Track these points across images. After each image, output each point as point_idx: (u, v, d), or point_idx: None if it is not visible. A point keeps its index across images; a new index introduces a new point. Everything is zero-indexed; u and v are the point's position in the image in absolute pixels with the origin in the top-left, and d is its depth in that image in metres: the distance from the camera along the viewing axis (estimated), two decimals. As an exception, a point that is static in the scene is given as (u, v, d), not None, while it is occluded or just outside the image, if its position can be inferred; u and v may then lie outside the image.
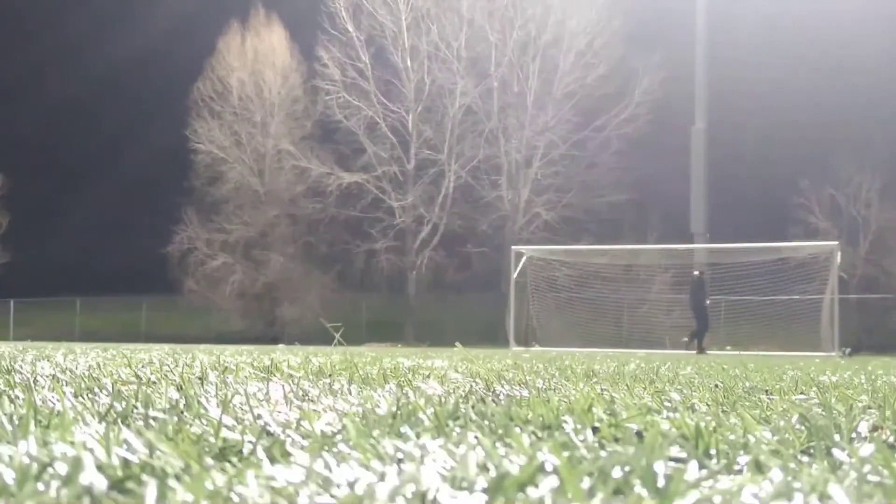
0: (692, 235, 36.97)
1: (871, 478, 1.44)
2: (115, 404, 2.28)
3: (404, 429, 1.95)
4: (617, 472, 1.40)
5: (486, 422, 2.10)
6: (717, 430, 1.91)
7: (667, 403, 2.87)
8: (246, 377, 4.03)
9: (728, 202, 41.14)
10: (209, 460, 1.51)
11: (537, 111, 43.75)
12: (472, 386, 3.74)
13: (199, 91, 46.54)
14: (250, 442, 1.70)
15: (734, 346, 29.16)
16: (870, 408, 2.93)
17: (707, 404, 2.94)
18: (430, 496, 1.27)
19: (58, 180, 55.85)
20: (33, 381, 3.41)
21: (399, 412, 2.16)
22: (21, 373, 4.11)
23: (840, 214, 44.41)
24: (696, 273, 28.66)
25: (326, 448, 1.67)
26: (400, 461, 1.54)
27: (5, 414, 2.01)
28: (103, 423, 1.93)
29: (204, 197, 46.11)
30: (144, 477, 1.35)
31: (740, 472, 1.58)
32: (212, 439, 1.75)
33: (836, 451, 1.77)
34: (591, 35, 43.13)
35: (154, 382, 3.52)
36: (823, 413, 2.49)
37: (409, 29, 44.31)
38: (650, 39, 42.03)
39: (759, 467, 1.59)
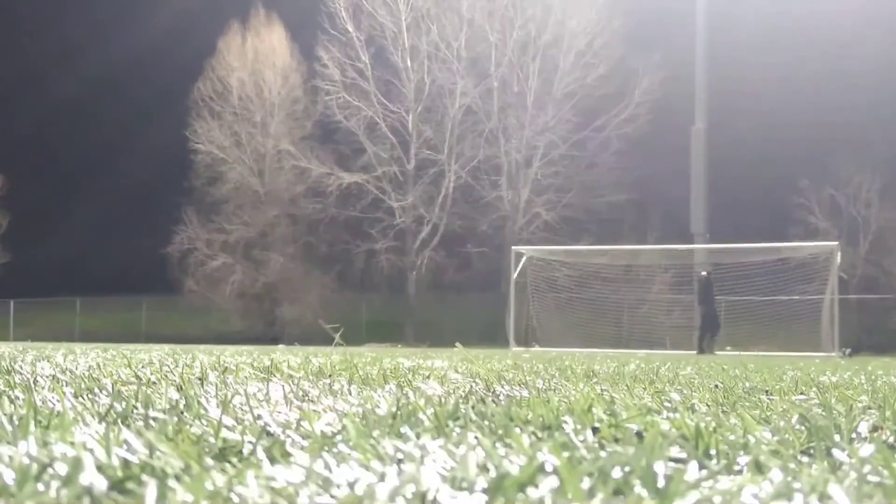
0: (692, 236, 36.95)
1: (871, 478, 1.44)
2: (115, 405, 2.28)
3: (404, 429, 1.95)
4: (617, 473, 1.40)
5: (486, 422, 2.10)
6: (717, 431, 1.91)
7: (667, 404, 2.87)
8: (246, 377, 4.03)
9: (728, 202, 41.14)
10: (209, 461, 1.51)
11: (537, 111, 43.75)
12: (472, 386, 3.74)
13: (199, 91, 46.55)
14: (250, 442, 1.70)
15: (734, 346, 29.14)
16: (870, 408, 2.93)
17: (707, 405, 2.95)
18: (430, 496, 1.27)
19: (58, 180, 55.84)
20: (33, 382, 3.41)
21: (399, 412, 2.16)
22: (21, 373, 4.11)
23: (840, 214, 44.40)
24: (704, 274, 28.63)
25: (326, 448, 1.67)
26: (400, 461, 1.54)
27: (5, 414, 2.01)
28: (103, 424, 1.93)
29: (204, 197, 46.11)
30: (144, 477, 1.35)
31: (740, 472, 1.58)
32: (212, 440, 1.75)
33: (836, 452, 1.77)
34: (591, 35, 43.13)
35: (154, 383, 3.52)
36: (823, 413, 2.49)
37: (409, 29, 44.31)
38: (650, 39, 42.06)
39: (759, 468, 1.59)
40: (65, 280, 49.62)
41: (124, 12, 56.42)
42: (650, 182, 43.17)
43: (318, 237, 46.56)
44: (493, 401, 2.85)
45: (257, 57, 46.49)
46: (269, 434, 1.84)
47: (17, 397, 2.63)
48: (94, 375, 3.93)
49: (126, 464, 1.43)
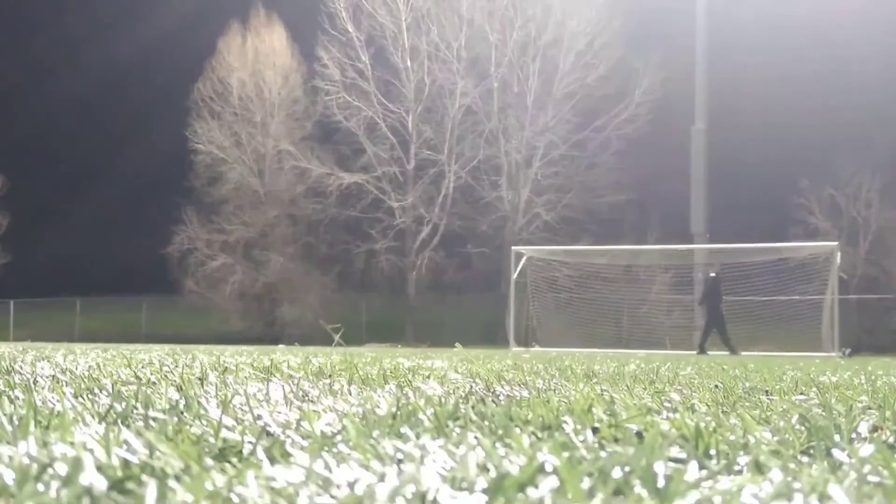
0: (692, 236, 36.94)
1: (871, 478, 1.44)
2: (115, 405, 2.28)
3: (404, 429, 1.95)
4: (617, 473, 1.40)
5: (486, 422, 2.10)
6: (717, 431, 1.91)
7: (667, 404, 2.87)
8: (246, 378, 4.03)
9: (728, 202, 41.12)
10: (209, 461, 1.51)
11: (537, 111, 43.75)
12: (471, 386, 3.74)
13: (200, 91, 46.55)
14: (250, 442, 1.70)
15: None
16: (870, 408, 2.93)
17: (707, 405, 2.94)
18: (430, 497, 1.27)
19: (58, 180, 55.84)
20: (33, 382, 3.41)
21: (399, 413, 2.16)
22: (21, 373, 4.11)
23: (840, 214, 44.39)
24: (712, 274, 28.60)
25: (326, 448, 1.67)
26: (400, 462, 1.55)
27: (5, 414, 2.01)
28: (103, 424, 1.93)
29: (204, 197, 46.12)
30: (144, 477, 1.35)
31: (740, 472, 1.58)
32: (212, 440, 1.75)
33: (836, 452, 1.77)
34: (591, 35, 43.12)
35: (154, 383, 3.52)
36: (823, 413, 2.48)
37: (409, 29, 44.31)
38: (650, 39, 42.05)
39: (759, 468, 1.59)
40: (65, 280, 49.62)
41: (125, 12, 56.47)
42: (650, 182, 43.18)
43: (318, 237, 46.56)
44: (493, 401, 2.85)
45: (257, 57, 46.50)
46: (269, 434, 1.84)
47: (17, 397, 2.63)
48: (94, 375, 3.93)
49: (126, 464, 1.43)
